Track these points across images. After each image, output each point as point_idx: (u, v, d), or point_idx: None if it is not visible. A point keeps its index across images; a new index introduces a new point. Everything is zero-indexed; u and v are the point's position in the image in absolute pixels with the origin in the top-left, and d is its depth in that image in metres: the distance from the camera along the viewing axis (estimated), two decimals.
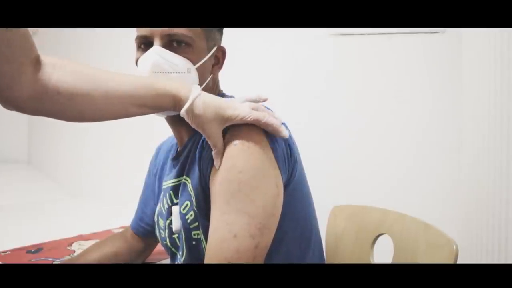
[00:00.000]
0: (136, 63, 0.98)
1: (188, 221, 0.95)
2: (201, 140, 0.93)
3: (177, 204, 0.99)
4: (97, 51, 3.07)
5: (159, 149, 1.20)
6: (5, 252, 1.36)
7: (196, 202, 0.92)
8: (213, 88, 1.03)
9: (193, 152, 0.95)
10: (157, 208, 1.09)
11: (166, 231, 1.03)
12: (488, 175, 1.37)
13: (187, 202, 0.95)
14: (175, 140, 1.09)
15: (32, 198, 3.59)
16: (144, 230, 1.19)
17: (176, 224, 0.97)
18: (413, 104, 1.85)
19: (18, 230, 2.77)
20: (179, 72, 0.94)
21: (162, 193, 1.06)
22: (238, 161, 0.83)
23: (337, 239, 1.17)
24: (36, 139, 4.68)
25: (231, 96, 1.04)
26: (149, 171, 1.21)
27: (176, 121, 1.00)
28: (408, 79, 1.86)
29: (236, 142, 0.84)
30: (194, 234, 0.94)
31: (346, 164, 1.98)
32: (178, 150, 1.03)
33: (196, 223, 0.93)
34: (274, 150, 0.87)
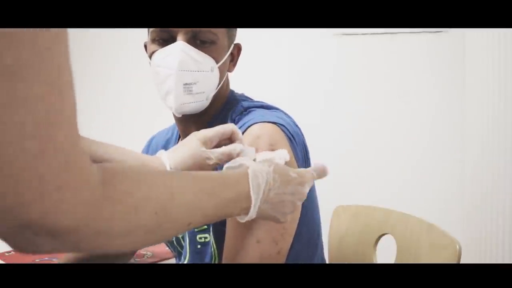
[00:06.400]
0: (150, 57, 0.93)
1: None
2: None
3: None
4: (99, 51, 3.07)
5: (150, 142, 1.14)
6: (9, 252, 1.37)
7: None
8: (226, 87, 1.00)
9: None
10: None
11: None
12: (492, 175, 1.37)
13: None
14: (171, 135, 1.05)
15: None
16: None
17: None
18: (417, 103, 1.84)
19: None
20: (203, 71, 0.90)
21: None
22: None
23: (340, 238, 1.17)
24: None
25: (241, 94, 1.02)
26: None
27: (186, 120, 0.96)
28: (411, 78, 1.86)
29: (258, 145, 0.82)
30: (200, 238, 0.92)
31: (349, 164, 1.98)
32: None
33: (204, 227, 0.91)
34: (294, 152, 0.85)
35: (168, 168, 0.75)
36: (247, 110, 0.93)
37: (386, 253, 1.10)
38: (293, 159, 0.85)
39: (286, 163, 0.80)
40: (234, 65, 1.01)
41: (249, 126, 0.86)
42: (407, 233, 1.04)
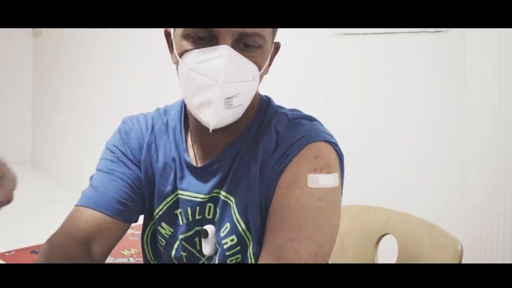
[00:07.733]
0: (180, 56, 0.79)
1: (225, 246, 0.85)
2: (258, 153, 0.83)
3: (200, 219, 0.88)
4: (99, 51, 3.07)
5: (128, 133, 0.94)
6: (10, 252, 1.36)
7: (246, 226, 0.84)
8: (257, 92, 0.90)
9: (239, 166, 0.84)
10: (160, 212, 0.91)
11: (177, 244, 0.91)
12: (492, 175, 1.37)
13: (228, 224, 0.85)
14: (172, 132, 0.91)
15: (36, 199, 3.60)
16: (121, 211, 0.90)
17: (209, 248, 0.86)
18: (417, 103, 1.84)
19: (22, 230, 2.78)
20: (245, 81, 0.78)
21: (172, 199, 0.91)
22: (318, 188, 0.80)
23: (341, 238, 1.17)
24: (40, 140, 4.69)
25: (270, 98, 0.94)
26: (119, 156, 0.93)
27: (213, 132, 0.81)
28: (411, 78, 1.86)
29: (316, 166, 0.80)
30: (231, 260, 0.86)
31: (350, 164, 1.97)
32: (207, 159, 0.87)
33: (237, 248, 0.85)
34: (341, 172, 0.86)
35: None
36: (290, 121, 0.86)
37: (387, 254, 1.10)
38: (339, 178, 0.84)
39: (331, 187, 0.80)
40: (269, 65, 0.88)
41: (305, 145, 0.82)
42: (408, 233, 1.04)
